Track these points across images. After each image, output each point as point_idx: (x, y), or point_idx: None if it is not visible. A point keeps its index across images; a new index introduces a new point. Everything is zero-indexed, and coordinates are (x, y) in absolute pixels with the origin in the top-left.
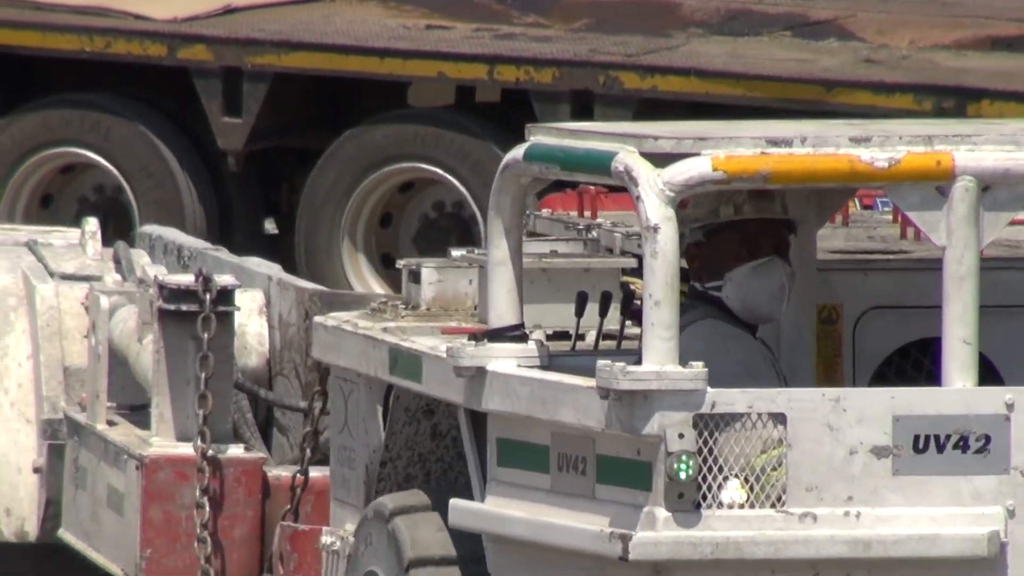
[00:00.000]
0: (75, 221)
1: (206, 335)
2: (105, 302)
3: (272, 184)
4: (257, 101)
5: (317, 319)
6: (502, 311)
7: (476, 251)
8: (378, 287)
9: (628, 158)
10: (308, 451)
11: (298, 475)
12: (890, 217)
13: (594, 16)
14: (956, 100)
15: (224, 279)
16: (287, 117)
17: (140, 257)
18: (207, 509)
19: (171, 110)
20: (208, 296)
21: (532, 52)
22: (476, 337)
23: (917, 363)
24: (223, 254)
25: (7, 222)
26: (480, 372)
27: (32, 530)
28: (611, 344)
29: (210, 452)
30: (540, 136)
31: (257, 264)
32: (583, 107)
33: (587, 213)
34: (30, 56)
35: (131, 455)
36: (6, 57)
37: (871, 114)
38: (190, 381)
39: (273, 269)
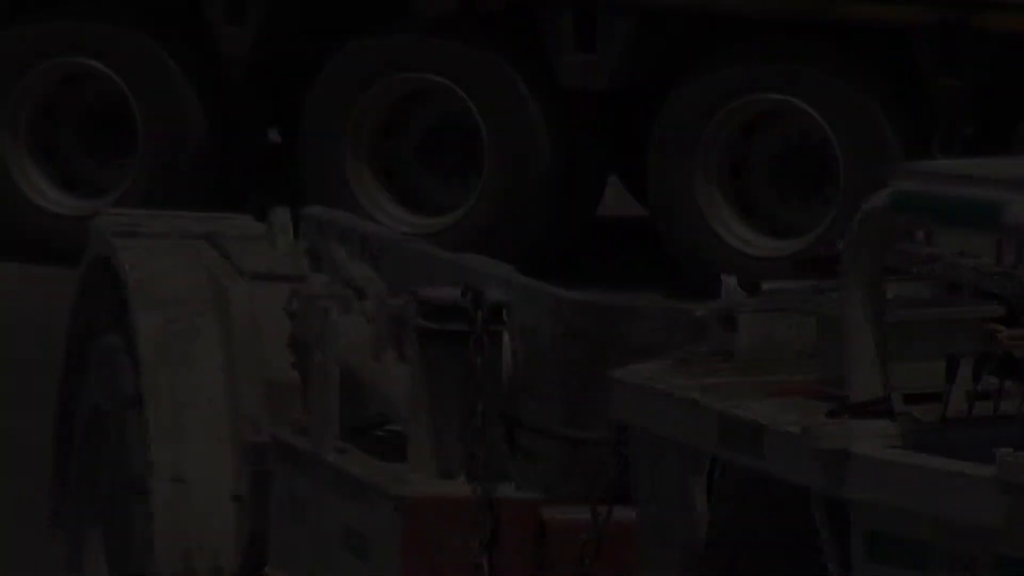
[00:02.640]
0: (79, 130)
1: (480, 359)
2: (335, 312)
3: (276, 93)
4: (261, 9)
5: (617, 374)
6: (864, 382)
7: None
8: (381, 197)
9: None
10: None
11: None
12: None
13: None
14: (960, 12)
15: (493, 293)
16: (291, 25)
17: (336, 252)
18: None
19: (175, 19)
20: (479, 314)
21: None
22: (835, 412)
23: None
24: (425, 246)
25: (9, 132)
26: (842, 454)
27: (229, 566)
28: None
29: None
30: (906, 182)
31: (482, 263)
32: (586, 17)
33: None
34: None
35: (384, 494)
36: None
37: (873, 27)
38: (455, 410)
39: (504, 269)
